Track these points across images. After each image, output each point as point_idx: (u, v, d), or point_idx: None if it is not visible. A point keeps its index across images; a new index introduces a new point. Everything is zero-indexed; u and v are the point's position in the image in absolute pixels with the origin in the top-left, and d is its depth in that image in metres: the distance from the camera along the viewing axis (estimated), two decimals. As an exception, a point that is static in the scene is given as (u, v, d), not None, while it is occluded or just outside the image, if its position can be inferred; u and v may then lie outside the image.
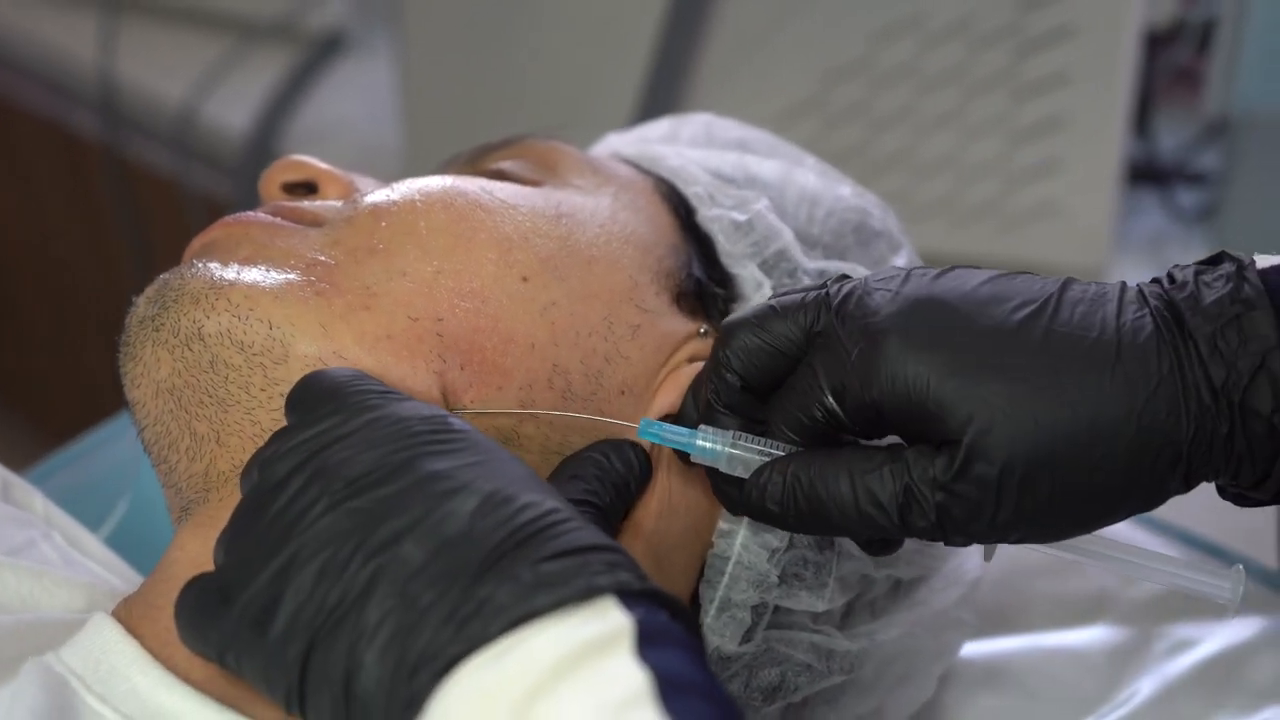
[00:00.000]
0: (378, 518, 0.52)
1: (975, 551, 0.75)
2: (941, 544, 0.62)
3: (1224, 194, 1.41)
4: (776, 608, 0.68)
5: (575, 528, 0.52)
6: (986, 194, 1.35)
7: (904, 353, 0.58)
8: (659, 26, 1.34)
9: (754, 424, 0.63)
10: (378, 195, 0.70)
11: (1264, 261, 0.59)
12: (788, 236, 0.73)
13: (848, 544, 0.69)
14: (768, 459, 0.62)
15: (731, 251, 0.73)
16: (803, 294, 0.63)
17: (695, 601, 0.68)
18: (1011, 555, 0.65)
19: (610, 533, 0.62)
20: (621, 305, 0.68)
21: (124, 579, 0.79)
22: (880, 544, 0.65)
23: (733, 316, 0.64)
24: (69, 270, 2.08)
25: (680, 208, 0.75)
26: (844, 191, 0.78)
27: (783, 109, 1.34)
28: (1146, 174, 1.49)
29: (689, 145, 0.80)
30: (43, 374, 2.25)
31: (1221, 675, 0.84)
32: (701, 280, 0.72)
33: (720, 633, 0.67)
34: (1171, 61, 1.47)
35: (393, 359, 0.64)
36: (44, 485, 0.88)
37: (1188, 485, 0.59)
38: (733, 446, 0.62)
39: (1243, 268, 0.59)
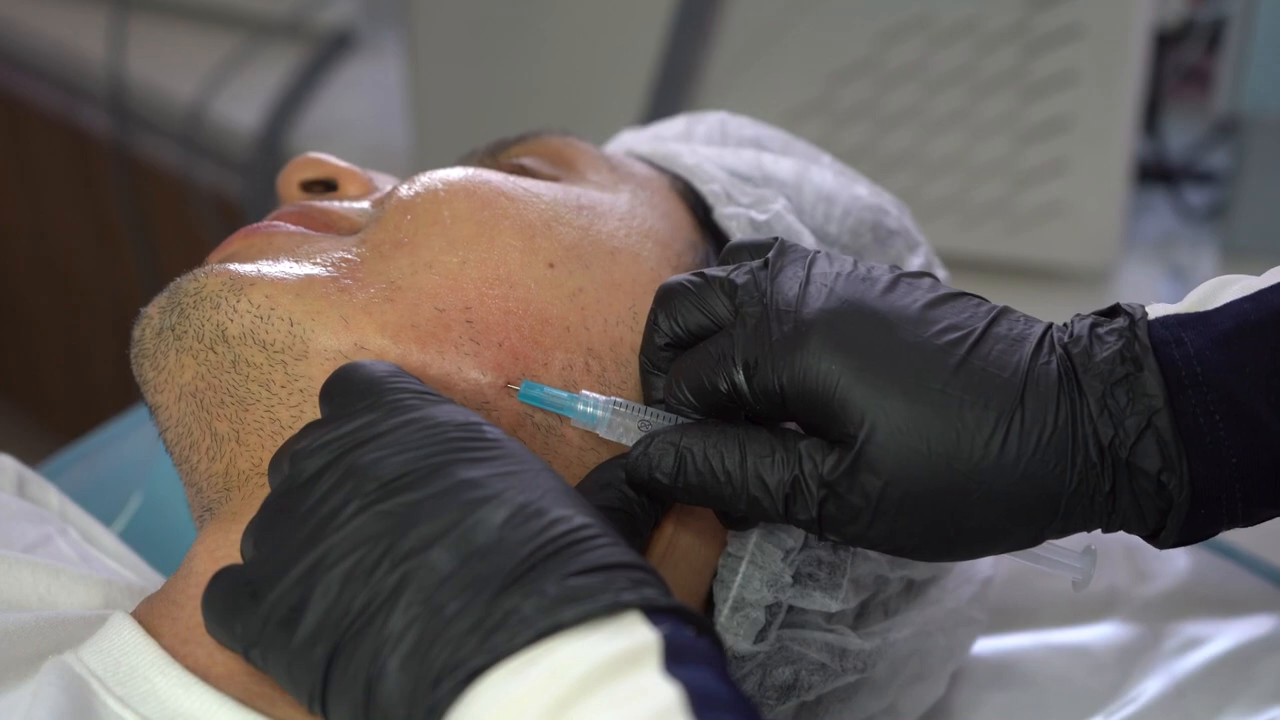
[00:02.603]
0: (408, 522, 0.52)
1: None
2: None
3: (1233, 193, 1.41)
4: (790, 607, 0.68)
5: (604, 544, 0.52)
6: (995, 193, 1.35)
7: (823, 349, 0.59)
8: (667, 25, 1.34)
9: None
10: (403, 189, 0.70)
11: (1156, 311, 0.60)
12: (808, 239, 0.73)
13: None
14: (647, 430, 0.62)
15: (750, 250, 0.73)
16: (737, 266, 0.63)
17: (710, 600, 0.68)
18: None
19: (643, 539, 0.63)
20: (645, 297, 0.68)
21: (139, 574, 0.79)
22: (738, 520, 0.65)
23: (670, 280, 0.64)
24: (77, 267, 2.08)
25: (697, 206, 0.75)
26: (860, 190, 0.78)
27: (791, 108, 1.34)
28: (1156, 173, 1.49)
29: (704, 143, 0.80)
30: (49, 371, 2.25)
31: (1231, 674, 0.83)
32: (720, 278, 0.72)
33: (734, 632, 0.67)
34: (1180, 61, 1.47)
35: (417, 346, 0.64)
36: (57, 481, 0.88)
37: (1063, 534, 0.60)
38: (613, 414, 0.63)
39: (1134, 323, 0.59)
